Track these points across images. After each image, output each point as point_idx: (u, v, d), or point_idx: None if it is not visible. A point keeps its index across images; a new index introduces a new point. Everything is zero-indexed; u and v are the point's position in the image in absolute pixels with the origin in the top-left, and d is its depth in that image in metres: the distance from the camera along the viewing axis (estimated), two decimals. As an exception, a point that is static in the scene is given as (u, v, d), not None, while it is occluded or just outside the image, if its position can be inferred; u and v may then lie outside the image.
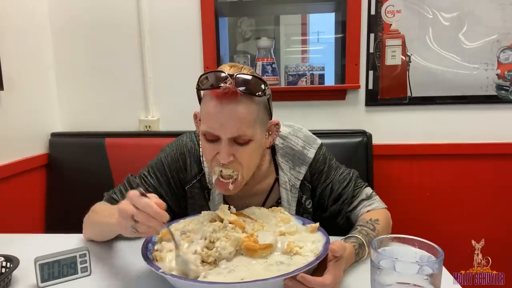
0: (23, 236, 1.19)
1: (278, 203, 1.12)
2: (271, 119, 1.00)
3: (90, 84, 1.90)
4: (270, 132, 1.01)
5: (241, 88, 0.86)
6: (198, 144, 1.11)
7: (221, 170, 0.94)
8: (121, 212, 0.76)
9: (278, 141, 1.10)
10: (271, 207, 1.09)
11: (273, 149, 1.11)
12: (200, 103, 0.97)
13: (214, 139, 0.92)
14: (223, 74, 0.87)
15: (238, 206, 1.05)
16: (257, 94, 0.89)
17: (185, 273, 0.76)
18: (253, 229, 0.89)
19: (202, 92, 0.95)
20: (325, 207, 1.13)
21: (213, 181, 0.98)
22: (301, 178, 1.09)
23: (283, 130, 1.12)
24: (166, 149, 1.14)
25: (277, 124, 1.01)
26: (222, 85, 0.85)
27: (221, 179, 0.95)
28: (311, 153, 1.10)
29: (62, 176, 1.77)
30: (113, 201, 1.08)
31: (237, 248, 0.81)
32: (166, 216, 0.75)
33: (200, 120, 0.97)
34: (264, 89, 0.91)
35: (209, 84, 0.89)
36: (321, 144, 1.13)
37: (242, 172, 0.95)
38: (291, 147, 1.10)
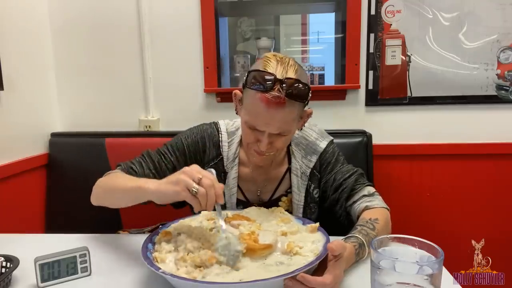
0: (23, 236, 1.18)
1: (287, 192, 1.20)
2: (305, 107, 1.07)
3: (90, 84, 1.90)
4: (302, 118, 1.09)
5: (288, 96, 0.94)
6: (219, 132, 1.19)
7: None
8: (187, 172, 0.83)
9: None
10: (280, 196, 1.20)
11: None
12: (243, 87, 1.03)
13: (255, 129, 1.01)
14: (272, 78, 0.94)
15: (252, 190, 1.20)
16: (301, 100, 0.98)
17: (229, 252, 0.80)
18: (250, 230, 0.89)
19: (247, 87, 0.99)
20: (327, 197, 1.17)
21: (247, 154, 1.12)
22: (311, 166, 1.17)
23: None
24: (187, 132, 1.21)
25: (311, 113, 1.10)
26: (271, 92, 0.93)
27: (258, 154, 1.05)
28: (323, 144, 1.19)
29: (62, 176, 1.77)
30: (132, 171, 1.10)
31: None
32: (222, 199, 0.84)
33: (240, 101, 1.06)
34: (307, 94, 0.99)
35: (258, 86, 0.95)
36: (333, 140, 1.22)
37: (275, 153, 1.08)
38: (305, 137, 1.19)
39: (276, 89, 0.93)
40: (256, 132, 1.01)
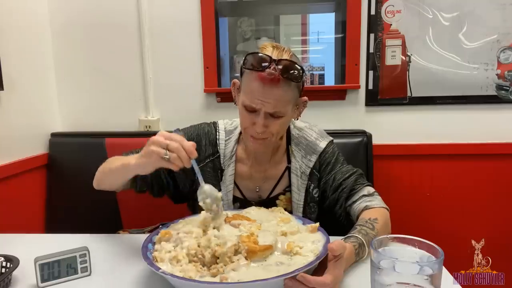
0: (23, 236, 1.18)
1: (285, 191, 1.20)
2: (301, 96, 1.12)
3: (90, 84, 1.90)
4: (297, 106, 1.13)
5: (283, 75, 0.98)
6: (216, 131, 1.22)
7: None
8: (155, 142, 0.88)
9: (294, 132, 1.21)
10: (278, 195, 1.20)
11: (288, 138, 1.21)
12: (241, 75, 1.09)
13: (252, 111, 1.04)
14: (268, 58, 0.99)
15: (250, 188, 1.20)
16: (295, 81, 1.02)
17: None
18: (250, 231, 0.89)
19: (245, 69, 1.05)
20: (326, 197, 1.17)
21: (245, 140, 1.14)
22: (311, 166, 1.17)
23: (300, 124, 1.23)
24: (186, 128, 1.24)
25: (306, 101, 1.14)
26: (267, 70, 0.98)
27: (254, 139, 1.08)
28: (322, 144, 1.19)
29: (62, 176, 1.77)
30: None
31: (237, 248, 0.81)
32: (195, 153, 0.88)
33: (238, 89, 1.11)
34: (302, 76, 1.03)
35: (255, 66, 1.01)
36: (332, 140, 1.23)
37: (271, 138, 1.09)
38: (305, 137, 1.20)
39: (272, 68, 0.98)
40: (252, 114, 1.04)
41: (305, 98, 1.13)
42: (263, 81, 0.99)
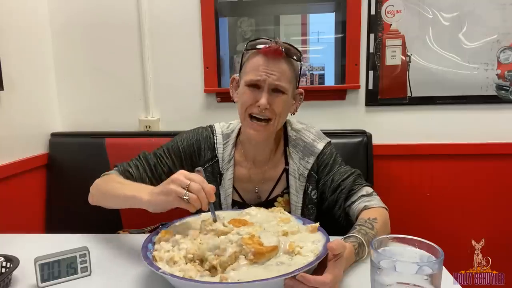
0: (23, 236, 1.18)
1: (283, 193, 1.21)
2: (297, 88, 1.17)
3: (90, 84, 1.90)
4: (294, 101, 1.17)
5: (284, 50, 1.06)
6: (214, 135, 1.22)
7: (253, 116, 1.10)
8: (176, 180, 0.86)
9: (291, 133, 1.21)
10: (276, 197, 1.21)
11: (286, 140, 1.22)
12: (241, 68, 1.14)
13: (256, 87, 1.08)
14: (269, 40, 1.07)
15: (248, 190, 1.21)
16: (294, 57, 1.10)
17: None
18: (251, 232, 0.88)
19: (246, 55, 1.12)
20: (325, 198, 1.17)
21: (246, 127, 1.13)
22: (309, 168, 1.17)
23: (298, 125, 1.24)
24: (183, 135, 1.24)
25: (302, 94, 1.19)
26: (270, 44, 1.05)
27: (256, 123, 1.09)
28: (320, 146, 1.19)
29: (62, 176, 1.77)
30: (128, 175, 1.14)
31: (237, 255, 0.80)
32: (213, 197, 0.88)
33: (237, 83, 1.15)
34: (300, 56, 1.12)
35: (258, 45, 1.08)
36: (330, 142, 1.23)
37: (275, 119, 1.10)
38: (302, 139, 1.20)
39: (274, 44, 1.05)
40: (256, 91, 1.07)
41: (301, 90, 1.17)
42: (267, 54, 1.06)
